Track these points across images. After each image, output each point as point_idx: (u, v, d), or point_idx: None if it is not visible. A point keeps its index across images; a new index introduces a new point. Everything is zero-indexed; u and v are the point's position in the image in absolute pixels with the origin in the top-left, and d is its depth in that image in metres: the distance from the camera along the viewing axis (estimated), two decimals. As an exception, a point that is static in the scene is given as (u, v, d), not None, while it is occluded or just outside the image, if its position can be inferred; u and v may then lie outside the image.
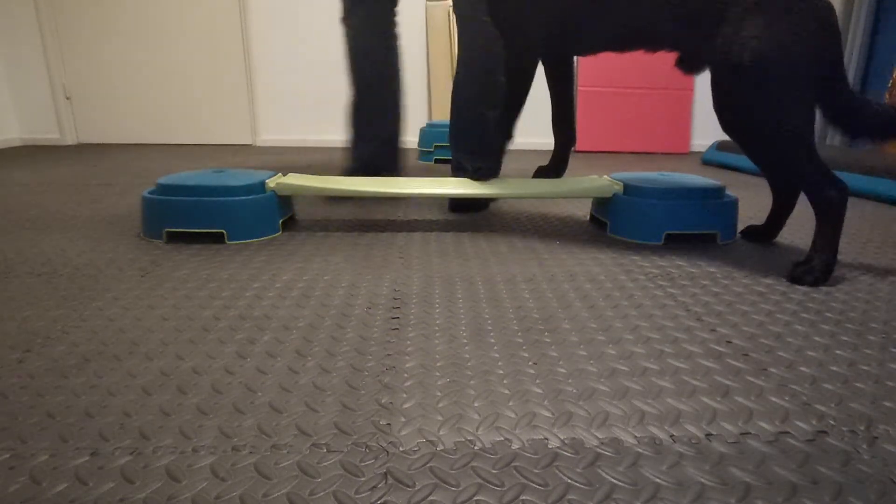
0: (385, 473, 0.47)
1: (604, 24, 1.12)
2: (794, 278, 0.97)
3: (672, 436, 0.53)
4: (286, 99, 3.27)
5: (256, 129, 3.30)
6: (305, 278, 0.94)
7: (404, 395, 0.59)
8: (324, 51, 3.16)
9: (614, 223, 1.26)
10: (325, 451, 0.50)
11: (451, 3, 1.89)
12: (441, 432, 0.53)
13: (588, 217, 1.44)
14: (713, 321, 0.79)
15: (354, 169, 1.58)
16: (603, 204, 1.32)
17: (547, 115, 1.48)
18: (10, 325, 0.74)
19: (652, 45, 1.11)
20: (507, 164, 2.13)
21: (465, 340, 0.72)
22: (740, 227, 1.26)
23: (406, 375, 0.63)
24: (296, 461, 0.48)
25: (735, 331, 0.76)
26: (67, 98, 3.19)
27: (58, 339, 0.70)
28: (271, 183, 1.21)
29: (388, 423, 0.54)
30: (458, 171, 1.52)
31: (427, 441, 0.51)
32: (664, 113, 3.20)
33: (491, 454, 0.50)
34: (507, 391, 0.60)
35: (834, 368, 0.66)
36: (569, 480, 0.47)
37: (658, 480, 0.47)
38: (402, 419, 0.55)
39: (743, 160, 2.41)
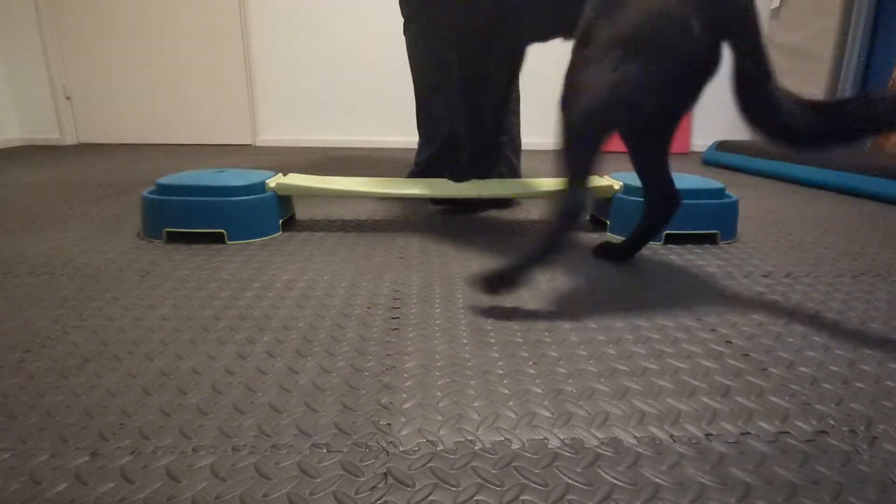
0: (385, 473, 0.47)
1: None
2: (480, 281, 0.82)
3: (672, 436, 0.53)
4: (286, 99, 3.27)
5: (256, 129, 3.30)
6: (305, 278, 0.94)
7: (404, 395, 0.59)
8: (324, 51, 3.16)
9: (614, 223, 1.26)
10: (325, 451, 0.50)
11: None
12: (441, 432, 0.53)
13: (588, 217, 1.44)
14: (713, 321, 0.79)
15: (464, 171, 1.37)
16: (603, 204, 1.32)
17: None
18: (10, 325, 0.74)
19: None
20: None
21: (465, 340, 0.72)
22: (740, 227, 1.26)
23: (406, 375, 0.63)
24: (296, 461, 0.48)
25: (735, 331, 0.76)
26: (67, 98, 3.19)
27: (58, 339, 0.70)
28: (271, 183, 1.21)
29: (388, 423, 0.54)
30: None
31: (427, 441, 0.51)
32: (664, 113, 3.20)
33: (491, 454, 0.50)
34: (507, 391, 0.60)
35: (834, 368, 0.66)
36: (569, 480, 0.47)
37: (658, 480, 0.47)
38: (402, 419, 0.55)
39: (743, 160, 2.41)
